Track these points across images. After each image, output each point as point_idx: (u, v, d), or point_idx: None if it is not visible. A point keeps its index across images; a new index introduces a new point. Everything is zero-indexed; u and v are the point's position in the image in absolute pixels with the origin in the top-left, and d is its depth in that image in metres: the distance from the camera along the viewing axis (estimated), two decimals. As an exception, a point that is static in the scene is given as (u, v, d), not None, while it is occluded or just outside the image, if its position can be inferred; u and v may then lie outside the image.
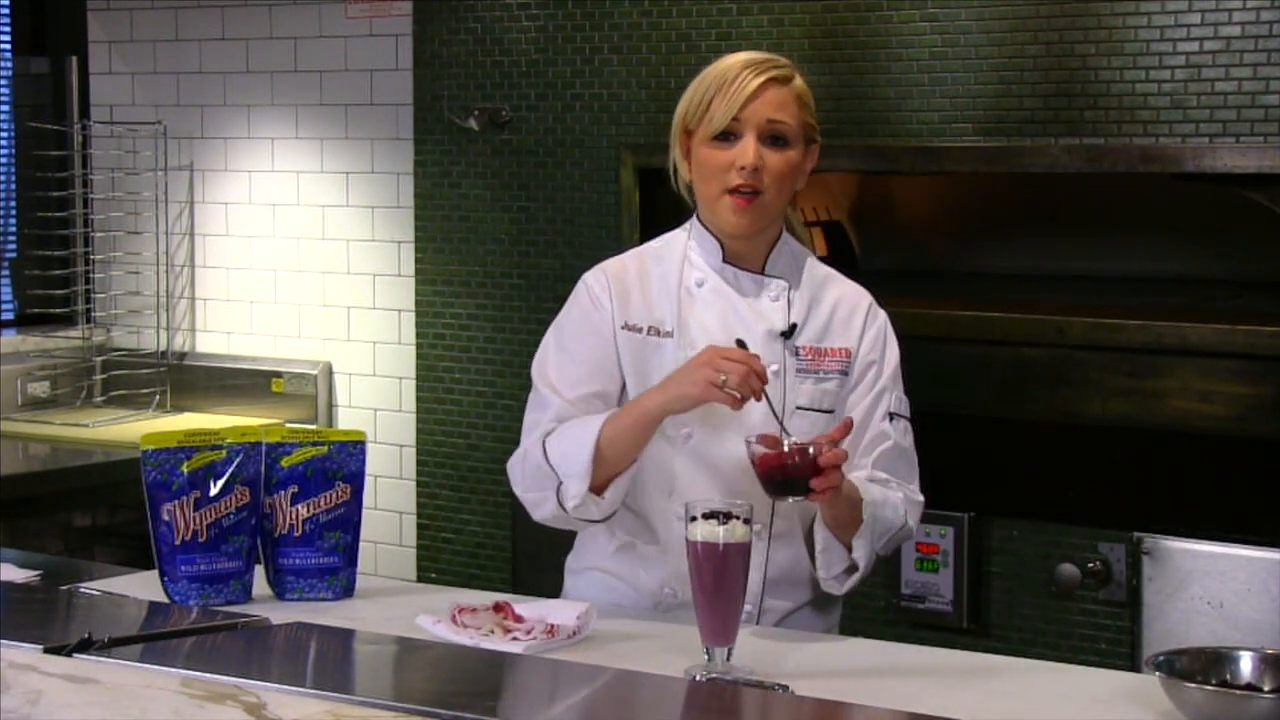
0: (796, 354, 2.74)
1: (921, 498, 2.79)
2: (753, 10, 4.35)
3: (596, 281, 2.79)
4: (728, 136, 2.69)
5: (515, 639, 2.48)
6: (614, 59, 4.60)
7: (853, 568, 2.67)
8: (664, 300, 2.77)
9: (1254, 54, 3.76)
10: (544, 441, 2.70)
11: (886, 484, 2.73)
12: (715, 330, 2.73)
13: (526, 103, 4.76)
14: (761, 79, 2.69)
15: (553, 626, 2.50)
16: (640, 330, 2.76)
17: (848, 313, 2.79)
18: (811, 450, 2.51)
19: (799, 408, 2.72)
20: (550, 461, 2.68)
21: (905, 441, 2.78)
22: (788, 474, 2.50)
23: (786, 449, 2.51)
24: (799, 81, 2.74)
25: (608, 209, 4.63)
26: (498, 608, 2.56)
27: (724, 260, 2.77)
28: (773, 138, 2.69)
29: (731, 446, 2.69)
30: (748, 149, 2.67)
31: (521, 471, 2.74)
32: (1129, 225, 4.47)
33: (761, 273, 2.77)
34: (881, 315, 2.82)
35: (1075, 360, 3.97)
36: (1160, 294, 4.25)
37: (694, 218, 2.81)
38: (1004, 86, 4.05)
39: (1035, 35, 4.00)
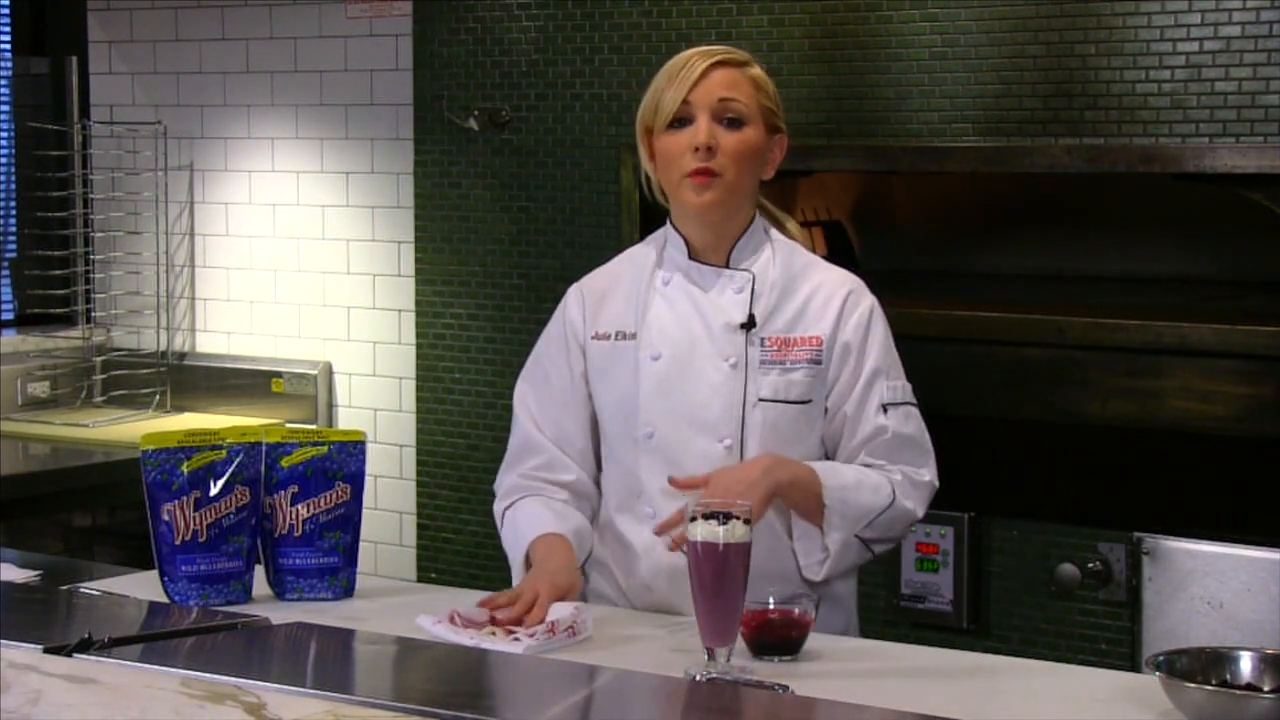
0: (761, 345, 2.72)
1: (928, 478, 2.75)
2: (753, 10, 4.35)
3: (575, 301, 2.86)
4: (682, 123, 2.69)
5: (516, 639, 2.48)
6: (614, 59, 4.60)
7: (826, 551, 2.69)
8: (631, 303, 2.80)
9: (1254, 54, 3.76)
10: (504, 513, 2.85)
11: (875, 467, 2.73)
12: (671, 328, 2.75)
13: (526, 103, 4.76)
14: (709, 62, 2.70)
15: (553, 625, 2.50)
16: (609, 337, 2.80)
17: (823, 300, 2.76)
18: (797, 611, 2.49)
19: (761, 399, 2.71)
20: (502, 540, 2.84)
21: (906, 429, 2.75)
22: (774, 636, 2.48)
23: (773, 613, 2.49)
24: (756, 69, 2.75)
25: (608, 209, 4.63)
26: (493, 620, 2.55)
27: (690, 257, 2.78)
28: (727, 118, 2.69)
29: (693, 443, 2.72)
30: (700, 129, 2.68)
31: (495, 504, 2.89)
32: (1129, 225, 4.47)
33: (726, 266, 2.77)
34: (866, 301, 2.77)
35: (1075, 360, 3.97)
36: (1160, 294, 4.25)
37: (668, 219, 2.83)
38: (1004, 86, 4.04)
39: (1035, 35, 4.00)
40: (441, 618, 2.54)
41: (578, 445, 2.82)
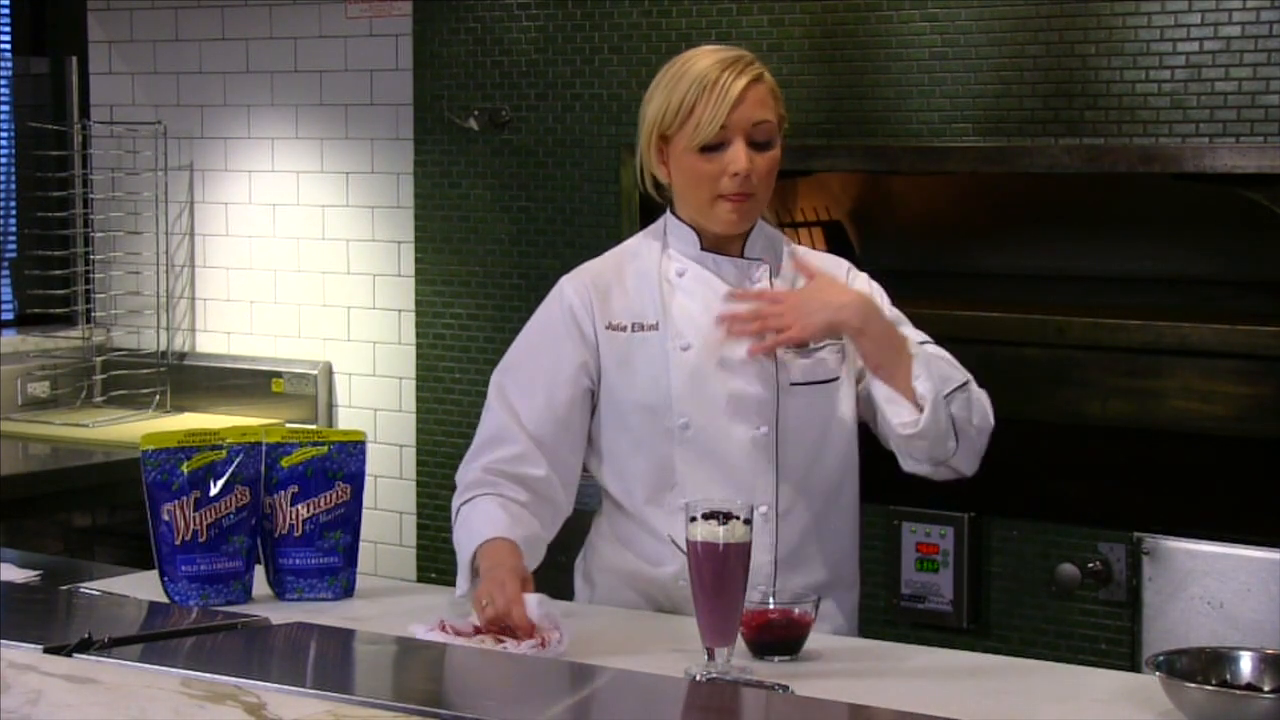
0: None
1: (983, 393, 2.74)
2: (753, 10, 4.35)
3: (575, 290, 2.80)
4: (718, 146, 2.68)
5: (506, 650, 2.46)
6: (614, 59, 4.60)
7: (920, 407, 2.64)
8: (644, 294, 2.78)
9: (1254, 54, 3.76)
10: (459, 508, 2.74)
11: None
12: (698, 317, 2.74)
13: (526, 103, 4.76)
14: (743, 81, 2.68)
15: (544, 638, 2.48)
16: (624, 328, 2.77)
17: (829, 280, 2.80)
18: (797, 611, 2.49)
19: (793, 384, 2.73)
20: (453, 536, 2.74)
21: (945, 355, 2.75)
22: (774, 636, 2.48)
23: (773, 613, 2.49)
24: (769, 75, 2.75)
25: (608, 209, 4.63)
26: (477, 630, 2.53)
27: (702, 249, 2.78)
28: (758, 139, 2.70)
29: (730, 432, 2.71)
30: (739, 156, 2.67)
31: (454, 498, 2.79)
32: (1129, 225, 4.47)
33: (741, 256, 2.78)
34: (863, 275, 2.84)
35: (1075, 360, 3.97)
36: (1160, 294, 4.25)
37: (667, 213, 2.82)
38: (1004, 86, 4.04)
39: (1035, 35, 4.00)
40: (433, 626, 2.52)
41: (557, 438, 2.76)
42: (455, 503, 2.78)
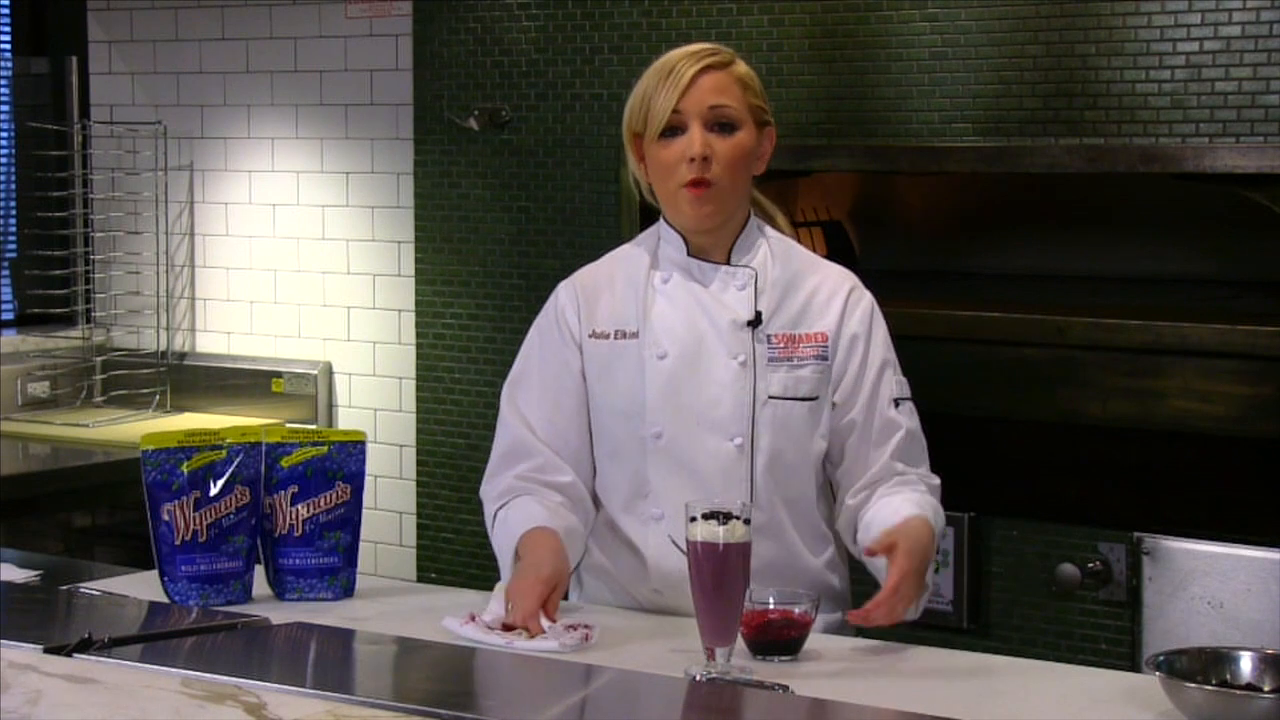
0: (768, 342, 2.71)
1: (937, 480, 2.76)
2: (753, 10, 4.35)
3: (568, 297, 2.81)
4: (674, 131, 2.67)
5: (547, 639, 2.46)
6: (614, 59, 4.60)
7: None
8: (630, 300, 2.77)
9: (1254, 54, 3.76)
10: (496, 513, 2.76)
11: (914, 485, 2.71)
12: (677, 325, 2.73)
13: (526, 103, 4.76)
14: (697, 67, 2.67)
15: (587, 633, 2.48)
16: (608, 336, 2.76)
17: (826, 296, 2.75)
18: (797, 611, 2.48)
19: (771, 397, 2.70)
20: (493, 541, 2.76)
21: (913, 424, 2.75)
22: (774, 636, 2.47)
23: (773, 613, 2.48)
24: (740, 66, 2.73)
25: (608, 209, 4.63)
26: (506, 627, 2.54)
27: (689, 254, 2.76)
28: (719, 124, 2.68)
29: (703, 442, 2.70)
30: (694, 140, 2.66)
31: (487, 508, 2.81)
32: (1129, 225, 4.47)
33: (727, 263, 2.75)
34: (867, 298, 2.77)
35: (1075, 360, 3.97)
36: (1160, 294, 4.25)
37: (661, 217, 2.81)
38: (1004, 86, 4.04)
39: (1035, 35, 4.00)
40: (465, 619, 2.52)
41: (573, 445, 2.77)
42: (490, 510, 2.78)
